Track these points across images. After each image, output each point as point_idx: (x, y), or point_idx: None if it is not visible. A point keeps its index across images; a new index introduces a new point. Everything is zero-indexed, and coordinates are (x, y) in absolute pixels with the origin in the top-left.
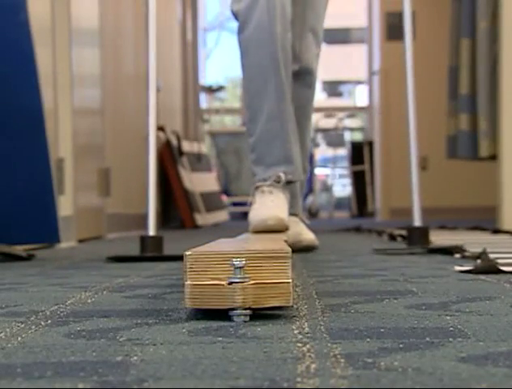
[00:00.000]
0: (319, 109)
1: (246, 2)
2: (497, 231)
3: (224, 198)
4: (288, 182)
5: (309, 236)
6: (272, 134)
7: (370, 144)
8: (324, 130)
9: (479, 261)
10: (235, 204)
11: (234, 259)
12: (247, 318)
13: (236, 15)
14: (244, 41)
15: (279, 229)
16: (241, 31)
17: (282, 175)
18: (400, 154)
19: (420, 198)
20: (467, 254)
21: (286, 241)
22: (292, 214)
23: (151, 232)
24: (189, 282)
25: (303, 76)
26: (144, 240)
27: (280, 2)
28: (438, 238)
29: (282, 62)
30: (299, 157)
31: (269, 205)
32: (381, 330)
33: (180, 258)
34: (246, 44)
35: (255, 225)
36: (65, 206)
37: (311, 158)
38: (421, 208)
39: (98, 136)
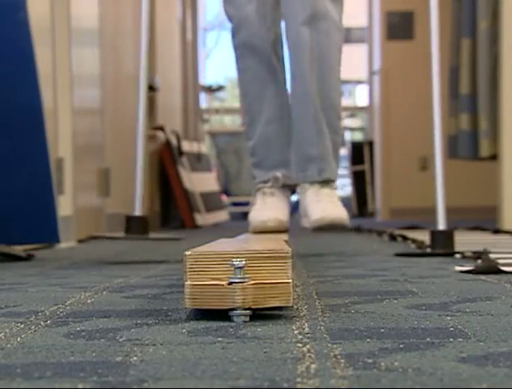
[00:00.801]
0: None
1: (237, 6)
2: (497, 231)
3: (224, 198)
4: (287, 186)
5: (336, 211)
6: (271, 138)
7: (370, 144)
8: None
9: (479, 261)
10: (235, 204)
11: (234, 259)
12: (247, 319)
13: (229, 18)
14: (238, 45)
15: (278, 231)
16: (234, 34)
17: (279, 175)
18: (400, 154)
19: (444, 198)
20: (467, 254)
21: (286, 242)
22: (321, 182)
23: (137, 212)
24: (189, 282)
25: (315, 22)
26: (129, 220)
27: (270, 5)
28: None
29: (278, 66)
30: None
31: (270, 206)
32: (382, 330)
33: (165, 239)
34: (241, 49)
35: (255, 226)
36: (64, 206)
37: None
38: (446, 210)
39: (98, 136)
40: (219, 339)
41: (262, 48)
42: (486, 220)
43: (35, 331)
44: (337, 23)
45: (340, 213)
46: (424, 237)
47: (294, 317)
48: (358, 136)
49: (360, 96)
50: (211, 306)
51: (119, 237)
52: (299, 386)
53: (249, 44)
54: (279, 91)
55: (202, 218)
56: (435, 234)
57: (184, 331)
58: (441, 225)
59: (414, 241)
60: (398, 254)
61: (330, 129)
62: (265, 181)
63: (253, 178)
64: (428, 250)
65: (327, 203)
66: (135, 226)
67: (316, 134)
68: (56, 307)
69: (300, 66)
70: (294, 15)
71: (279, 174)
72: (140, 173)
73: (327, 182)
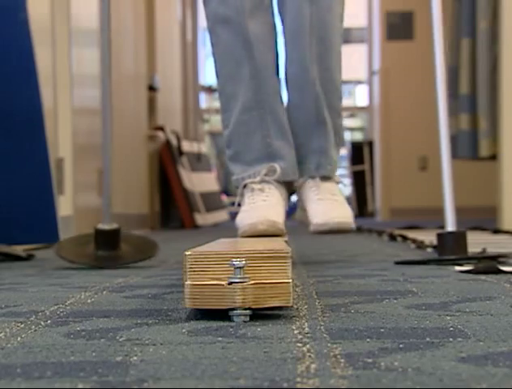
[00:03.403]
0: None
1: None
2: (497, 231)
3: (224, 198)
4: (283, 183)
5: (340, 213)
6: (250, 127)
7: (370, 144)
8: None
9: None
10: (235, 204)
11: (234, 259)
12: (247, 319)
13: None
14: (209, 15)
15: (271, 234)
16: (206, 2)
17: (276, 166)
18: (400, 154)
19: (453, 197)
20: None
21: (286, 242)
22: (322, 177)
23: (106, 225)
24: (189, 282)
25: None
26: (99, 234)
27: None
28: None
29: (255, 42)
30: (290, 153)
31: (260, 205)
32: (382, 330)
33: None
34: (213, 19)
35: (244, 231)
36: (64, 206)
37: None
38: (455, 210)
39: (98, 136)
40: (219, 338)
41: (237, 19)
42: (486, 220)
43: (35, 330)
44: None
45: (345, 214)
46: (424, 236)
47: (294, 317)
48: (358, 136)
49: (360, 96)
50: (211, 306)
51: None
52: (299, 386)
53: (221, 14)
54: (258, 74)
55: (202, 218)
56: (443, 237)
57: (184, 330)
58: (450, 226)
59: (414, 241)
60: (398, 263)
61: (332, 111)
62: (251, 176)
63: (231, 174)
64: (431, 254)
65: (330, 203)
66: (105, 241)
67: (316, 124)
68: (56, 307)
69: (298, 46)
70: None
71: (276, 165)
72: (107, 179)
73: (328, 176)
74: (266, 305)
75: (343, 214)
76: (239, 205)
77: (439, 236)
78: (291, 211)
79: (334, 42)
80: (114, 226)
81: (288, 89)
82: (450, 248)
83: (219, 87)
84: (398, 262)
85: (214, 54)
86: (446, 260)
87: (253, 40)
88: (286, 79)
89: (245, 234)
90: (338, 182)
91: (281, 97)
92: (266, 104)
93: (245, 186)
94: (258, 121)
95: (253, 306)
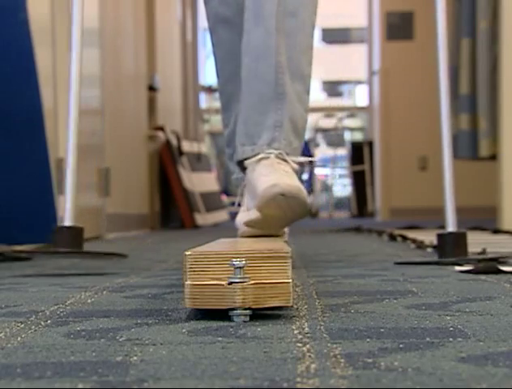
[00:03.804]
0: (319, 109)
1: None
2: (497, 231)
3: (224, 198)
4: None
5: (292, 181)
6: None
7: (370, 144)
8: (324, 130)
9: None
10: (235, 204)
11: (234, 259)
12: (247, 318)
13: None
14: (210, 15)
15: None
16: (206, 2)
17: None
18: (400, 154)
19: (453, 197)
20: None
21: (286, 241)
22: (277, 156)
23: (67, 221)
24: (189, 282)
25: None
26: (59, 232)
27: None
28: None
29: None
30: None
31: (281, 173)
32: (381, 330)
33: (101, 255)
34: (213, 19)
35: (243, 231)
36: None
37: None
38: (455, 210)
39: (98, 136)
40: (219, 338)
41: (238, 19)
42: (486, 220)
43: (35, 330)
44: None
45: (299, 186)
46: (424, 236)
47: (294, 317)
48: (358, 136)
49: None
50: (211, 306)
51: (42, 251)
52: (299, 385)
53: (221, 14)
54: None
55: (202, 218)
56: (443, 238)
57: (184, 330)
58: (451, 226)
59: (414, 241)
60: (398, 263)
61: (295, 78)
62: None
63: (231, 174)
64: (431, 254)
65: (282, 173)
66: (64, 238)
67: (274, 97)
68: (56, 307)
69: (262, 18)
70: None
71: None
72: (71, 173)
73: (283, 157)
74: (266, 305)
75: (297, 184)
76: (239, 205)
77: (439, 236)
78: None
79: (305, 19)
80: None
81: (244, 58)
82: (451, 249)
83: (219, 87)
84: (397, 263)
85: (214, 54)
86: (446, 263)
87: None
88: (243, 47)
89: (245, 234)
90: (296, 170)
91: None
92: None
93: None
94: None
95: (253, 306)
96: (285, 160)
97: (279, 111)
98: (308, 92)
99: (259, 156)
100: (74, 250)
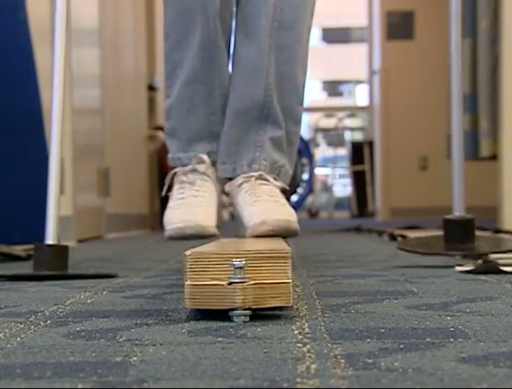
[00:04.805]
0: (319, 109)
1: None
2: (497, 231)
3: (224, 198)
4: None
5: (281, 212)
6: (192, 102)
7: (370, 144)
8: (324, 130)
9: (479, 261)
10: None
11: (234, 259)
12: (247, 319)
13: None
14: None
15: (201, 237)
16: None
17: (204, 157)
18: (400, 154)
19: (463, 185)
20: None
21: (286, 242)
22: (258, 178)
23: (50, 239)
24: (189, 282)
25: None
26: (40, 251)
27: None
28: None
29: (211, 10)
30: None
31: (189, 204)
32: (382, 330)
33: (88, 276)
34: None
35: (170, 234)
36: (64, 206)
37: (310, 159)
38: (464, 195)
39: (98, 136)
40: (219, 339)
41: None
42: (486, 220)
43: (35, 331)
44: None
45: (288, 213)
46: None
47: (294, 317)
48: (358, 136)
49: (360, 96)
50: (211, 306)
51: (23, 275)
52: (299, 386)
53: None
54: (209, 44)
55: None
56: (449, 223)
57: (184, 331)
58: (458, 211)
59: (393, 237)
60: (401, 249)
61: (287, 116)
62: (184, 164)
63: (167, 152)
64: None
65: (269, 203)
66: (46, 259)
67: (260, 118)
68: (56, 307)
69: (255, 34)
70: None
71: (204, 156)
72: (54, 183)
73: (265, 177)
74: (266, 306)
75: (285, 212)
76: (167, 196)
77: (445, 222)
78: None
79: (301, 32)
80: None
81: (234, 74)
82: (457, 238)
83: (165, 52)
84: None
85: (166, 14)
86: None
87: (209, 5)
88: (234, 62)
89: (173, 237)
90: (280, 187)
91: (229, 74)
92: (215, 77)
93: (174, 175)
94: (203, 95)
95: (254, 306)
96: (267, 180)
97: (261, 131)
98: (301, 103)
99: (240, 181)
100: (57, 273)
